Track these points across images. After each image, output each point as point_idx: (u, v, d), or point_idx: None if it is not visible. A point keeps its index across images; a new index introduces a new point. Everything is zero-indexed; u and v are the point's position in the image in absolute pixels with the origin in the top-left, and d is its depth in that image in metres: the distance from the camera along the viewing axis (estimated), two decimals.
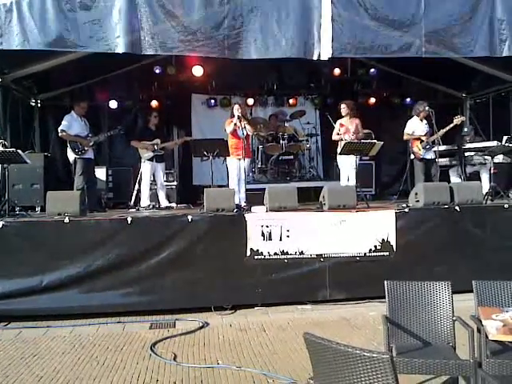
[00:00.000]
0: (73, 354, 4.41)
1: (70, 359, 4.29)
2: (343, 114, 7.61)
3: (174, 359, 4.23)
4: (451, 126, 7.75)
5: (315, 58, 5.73)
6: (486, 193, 6.83)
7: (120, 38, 5.40)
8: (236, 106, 7.06)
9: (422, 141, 7.58)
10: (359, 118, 7.72)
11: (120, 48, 5.44)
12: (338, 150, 7.30)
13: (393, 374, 1.91)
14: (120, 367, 4.09)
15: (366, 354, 1.94)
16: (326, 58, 5.73)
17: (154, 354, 4.36)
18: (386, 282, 3.43)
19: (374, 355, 1.93)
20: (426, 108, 7.57)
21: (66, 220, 5.46)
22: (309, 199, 7.69)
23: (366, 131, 8.97)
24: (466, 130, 8.11)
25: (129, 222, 5.51)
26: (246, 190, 7.52)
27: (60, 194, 5.80)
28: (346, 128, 7.52)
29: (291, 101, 10.51)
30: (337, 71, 9.99)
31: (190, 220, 5.63)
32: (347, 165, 7.48)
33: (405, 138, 7.81)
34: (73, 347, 4.61)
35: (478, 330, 3.00)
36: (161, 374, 3.93)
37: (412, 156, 7.81)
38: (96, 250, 5.45)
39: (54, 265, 5.38)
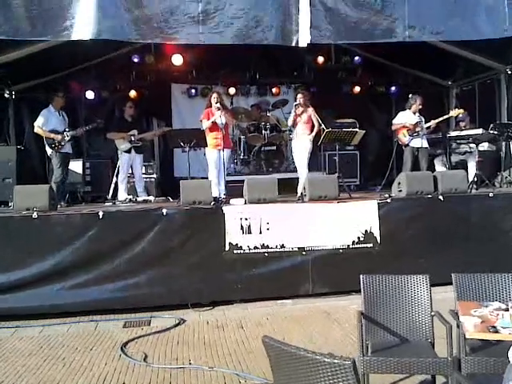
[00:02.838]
0: (39, 356, 4.22)
1: (36, 361, 4.10)
2: (296, 103, 7.26)
3: (145, 360, 4.05)
4: (446, 117, 7.63)
5: (293, 44, 5.52)
6: (471, 181, 6.69)
7: (91, 26, 5.14)
8: (214, 95, 6.81)
9: (409, 129, 7.42)
10: (314, 107, 7.35)
11: (91, 36, 5.18)
12: (294, 143, 7.30)
13: (355, 380, 1.74)
14: (87, 369, 3.90)
15: (326, 359, 1.77)
16: (305, 45, 5.51)
17: (124, 354, 4.17)
18: (361, 276, 3.27)
19: (335, 361, 1.76)
20: (418, 102, 7.45)
21: (35, 215, 5.23)
22: (293, 191, 7.49)
23: (350, 120, 8.83)
24: (461, 115, 7.93)
25: (100, 216, 5.29)
26: (228, 181, 7.31)
27: (28, 188, 5.55)
28: (298, 118, 7.25)
29: (274, 90, 10.27)
30: (320, 59, 9.73)
31: (164, 213, 5.42)
32: (295, 153, 7.37)
33: (393, 128, 7.69)
34: (40, 348, 4.41)
35: (458, 326, 2.85)
36: (129, 375, 3.75)
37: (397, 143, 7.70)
38: (66, 246, 5.23)
39: (22, 262, 5.15)
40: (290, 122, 7.38)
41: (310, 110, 7.17)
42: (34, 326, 5.03)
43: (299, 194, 6.89)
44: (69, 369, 3.91)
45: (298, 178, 7.30)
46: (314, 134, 7.14)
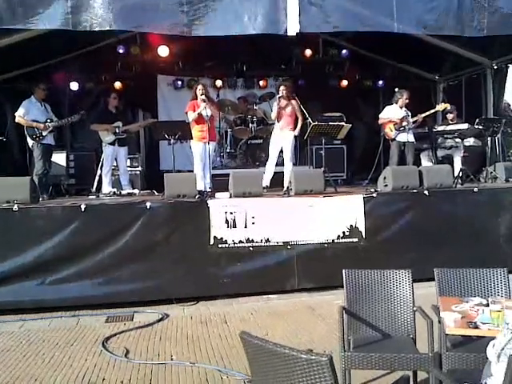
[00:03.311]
0: (18, 352, 4.13)
1: (14, 357, 4.01)
2: (278, 96, 7.13)
3: (126, 355, 3.98)
4: (432, 111, 7.63)
5: (282, 32, 5.44)
6: (456, 176, 6.70)
7: (71, 15, 5.03)
8: (199, 87, 6.72)
9: (395, 123, 7.43)
10: (296, 99, 7.25)
11: (71, 25, 5.07)
12: (275, 135, 7.19)
13: (331, 376, 1.71)
14: (66, 365, 3.83)
15: (303, 355, 1.74)
16: (294, 34, 5.41)
17: (105, 349, 4.11)
18: (344, 271, 3.24)
19: (312, 357, 1.73)
20: (405, 96, 7.46)
21: (15, 208, 5.12)
22: (281, 184, 7.45)
23: (338, 114, 8.79)
24: (448, 107, 7.91)
25: (82, 209, 5.19)
26: (214, 175, 7.26)
27: (9, 180, 5.44)
28: (282, 111, 7.13)
29: (261, 83, 10.20)
30: (308, 52, 9.70)
31: (148, 207, 5.35)
32: (276, 146, 7.25)
33: (379, 121, 7.68)
34: (19, 344, 4.33)
35: (439, 321, 2.84)
36: (109, 371, 3.68)
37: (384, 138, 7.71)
38: (48, 239, 5.13)
39: (1, 256, 5.04)
40: (273, 115, 7.23)
41: (294, 102, 7.10)
42: (14, 321, 4.93)
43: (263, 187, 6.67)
44: (48, 364, 3.83)
45: (282, 172, 7.25)
46: (298, 129, 7.10)
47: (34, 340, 4.41)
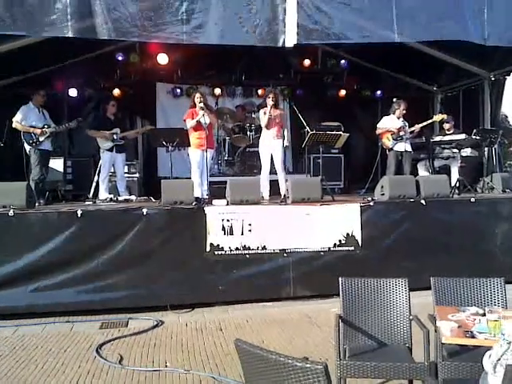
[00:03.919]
0: (11, 358, 4.10)
1: (7, 363, 3.98)
2: (270, 104, 6.93)
3: (120, 362, 3.95)
4: (429, 121, 7.66)
5: (280, 44, 5.46)
6: (453, 186, 6.72)
7: (71, 22, 5.05)
8: (197, 95, 6.73)
9: (393, 133, 7.45)
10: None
11: (71, 32, 5.09)
12: (265, 144, 7.10)
13: None
14: (60, 371, 3.80)
15: (298, 363, 1.73)
16: (292, 45, 5.45)
17: (99, 356, 4.08)
18: (340, 279, 3.23)
19: (307, 365, 1.72)
20: (402, 107, 7.49)
21: (11, 213, 5.10)
22: (278, 192, 7.44)
23: (336, 123, 8.82)
24: (445, 117, 7.92)
25: (79, 215, 5.18)
26: (212, 182, 7.25)
27: (5, 185, 5.41)
28: (272, 119, 6.98)
29: (260, 91, 10.20)
30: (307, 62, 9.74)
31: (144, 213, 5.33)
32: (268, 155, 7.13)
33: (377, 131, 7.69)
34: (13, 349, 4.29)
35: (436, 330, 2.82)
36: (102, 378, 3.66)
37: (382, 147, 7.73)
38: (43, 245, 5.10)
39: None
40: (263, 123, 7.05)
41: (281, 111, 7.14)
42: (8, 326, 4.89)
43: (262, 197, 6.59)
44: (41, 371, 3.80)
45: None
46: (287, 139, 7.13)
47: (28, 346, 4.38)
